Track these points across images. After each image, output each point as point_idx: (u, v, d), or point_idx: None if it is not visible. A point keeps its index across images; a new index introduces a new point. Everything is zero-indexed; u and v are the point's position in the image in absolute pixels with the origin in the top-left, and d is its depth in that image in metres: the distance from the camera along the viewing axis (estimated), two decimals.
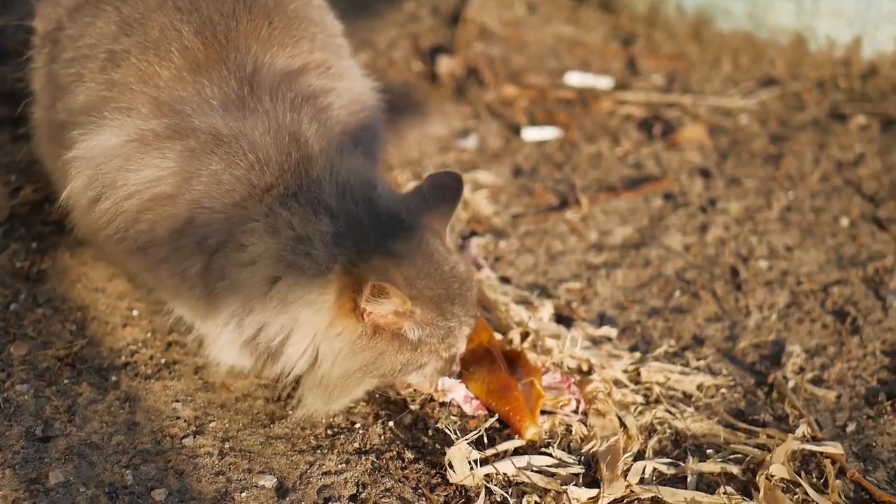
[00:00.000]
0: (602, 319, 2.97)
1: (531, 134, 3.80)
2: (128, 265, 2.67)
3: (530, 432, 2.54)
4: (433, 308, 2.39)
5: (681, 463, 2.50)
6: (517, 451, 2.51)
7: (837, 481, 2.46)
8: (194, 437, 2.49)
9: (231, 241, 2.40)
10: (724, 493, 2.41)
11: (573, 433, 2.58)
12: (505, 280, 3.09)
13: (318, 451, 2.48)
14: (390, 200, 2.47)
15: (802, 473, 2.49)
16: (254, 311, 2.40)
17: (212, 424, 2.53)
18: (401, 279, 2.33)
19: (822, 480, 2.47)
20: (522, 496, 2.40)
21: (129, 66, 2.51)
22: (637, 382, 2.73)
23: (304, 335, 2.38)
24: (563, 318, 2.93)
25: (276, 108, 2.47)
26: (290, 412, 2.58)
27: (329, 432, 2.54)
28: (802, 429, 2.57)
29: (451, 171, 2.58)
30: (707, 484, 2.46)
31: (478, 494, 2.38)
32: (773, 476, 2.45)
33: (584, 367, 2.74)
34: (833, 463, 2.51)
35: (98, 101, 2.51)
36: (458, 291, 2.45)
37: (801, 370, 2.81)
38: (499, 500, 2.38)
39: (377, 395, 2.63)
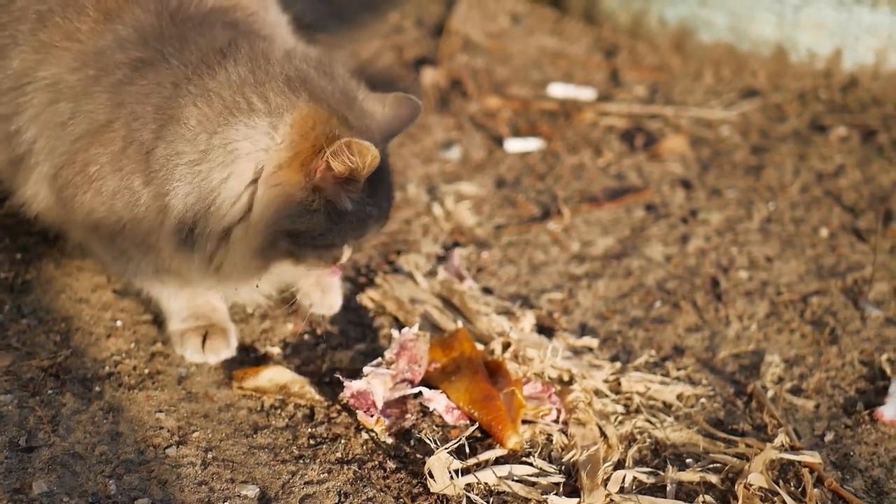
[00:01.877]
0: (583, 330, 2.99)
1: (514, 145, 3.83)
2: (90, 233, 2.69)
3: (511, 442, 2.56)
4: (370, 187, 2.46)
5: (660, 472, 2.52)
6: (498, 461, 2.53)
7: (815, 490, 2.48)
8: (177, 447, 2.50)
9: (167, 127, 2.44)
10: (704, 502, 2.43)
11: (554, 443, 2.60)
12: (487, 291, 3.11)
13: (301, 461, 2.50)
14: (346, 77, 2.54)
15: (781, 482, 2.51)
16: (199, 166, 2.43)
17: (195, 434, 2.54)
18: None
19: (800, 489, 2.49)
20: None
21: (55, 24, 2.60)
22: (617, 392, 2.75)
23: (243, 178, 2.42)
24: (545, 329, 2.95)
25: (202, 32, 2.57)
26: (273, 422, 2.60)
27: (311, 442, 2.56)
28: (781, 438, 2.59)
29: (414, 98, 2.62)
30: (686, 493, 2.48)
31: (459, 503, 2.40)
32: (751, 485, 2.47)
33: (565, 377, 2.75)
34: (811, 472, 2.53)
35: (31, 64, 2.60)
36: (390, 186, 2.55)
37: (780, 380, 2.84)
38: None
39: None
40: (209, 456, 2.49)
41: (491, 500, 2.42)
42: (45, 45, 2.60)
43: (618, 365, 2.82)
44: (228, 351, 2.78)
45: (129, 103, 2.49)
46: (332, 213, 2.44)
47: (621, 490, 2.47)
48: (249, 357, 2.81)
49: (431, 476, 2.43)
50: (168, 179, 2.44)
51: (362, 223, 2.50)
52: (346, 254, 2.59)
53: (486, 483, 2.46)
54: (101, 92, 2.52)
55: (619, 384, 2.76)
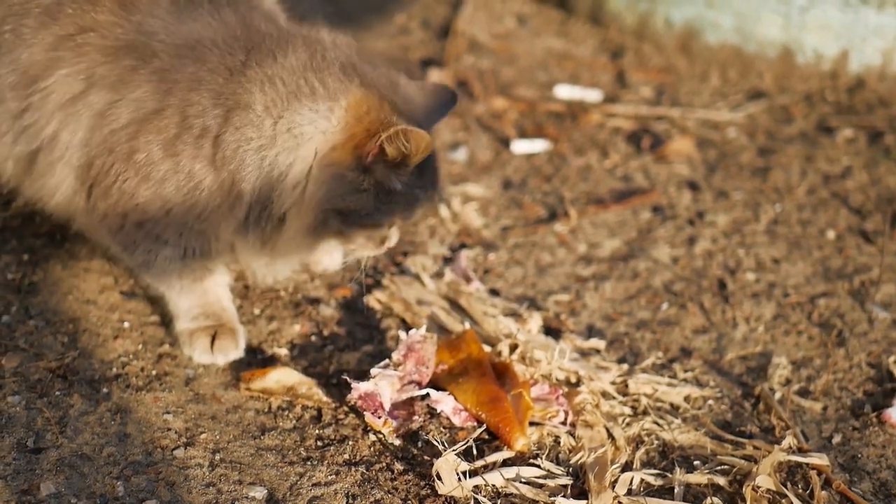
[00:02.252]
0: (590, 331, 2.99)
1: (521, 146, 3.83)
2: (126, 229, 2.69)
3: (519, 443, 2.56)
4: (418, 170, 2.55)
5: (668, 474, 2.52)
6: (506, 463, 2.53)
7: (823, 492, 2.48)
8: (185, 449, 2.50)
9: (234, 112, 2.51)
10: None
11: (561, 444, 2.60)
12: (494, 292, 3.11)
13: (309, 463, 2.50)
14: (386, 63, 2.68)
15: (788, 485, 2.50)
16: (264, 150, 2.51)
17: (202, 436, 2.55)
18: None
19: (808, 492, 2.49)
20: None
21: (66, 17, 2.60)
22: (625, 394, 2.75)
23: (306, 162, 2.51)
24: (552, 330, 2.95)
25: (218, 9, 2.62)
26: (281, 423, 2.60)
27: (319, 443, 2.56)
28: (788, 440, 2.59)
29: (451, 88, 2.75)
30: (694, 495, 2.48)
31: None
32: (759, 487, 2.46)
33: (573, 379, 2.75)
34: (819, 474, 2.53)
35: (48, 62, 2.59)
36: (436, 170, 2.63)
37: (788, 382, 2.83)
38: None
39: None
40: (217, 457, 2.49)
41: (498, 501, 2.42)
42: (63, 41, 2.59)
43: (625, 367, 2.82)
44: (237, 352, 2.78)
45: (180, 91, 2.53)
46: (380, 193, 2.53)
47: (629, 492, 2.46)
48: (257, 358, 2.81)
49: (439, 478, 2.43)
50: (241, 166, 2.52)
51: (410, 205, 2.59)
52: (395, 237, 2.69)
53: (493, 485, 2.46)
54: (143, 81, 2.55)
55: (627, 386, 2.76)
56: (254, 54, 2.54)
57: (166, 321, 2.85)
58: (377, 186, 2.52)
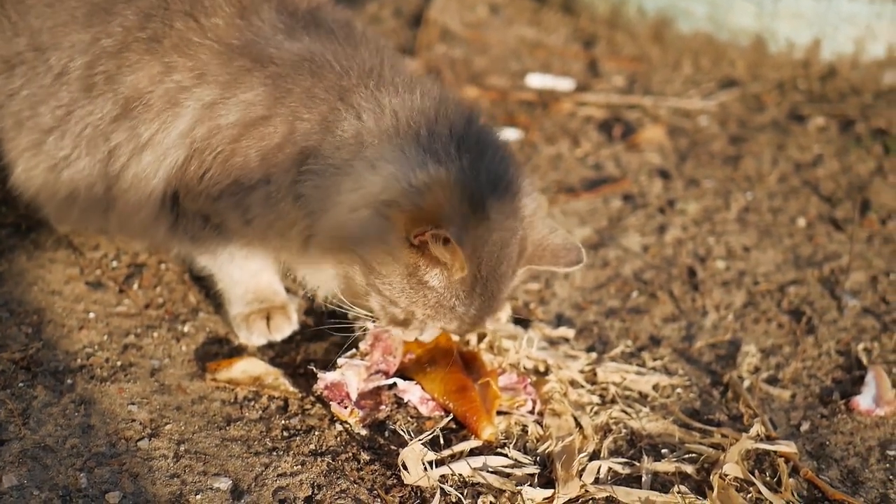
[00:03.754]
0: (559, 320, 2.98)
1: None
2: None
3: (486, 433, 2.55)
4: (468, 285, 2.39)
5: (636, 462, 2.51)
6: (473, 452, 2.52)
7: (791, 480, 2.48)
8: (150, 440, 2.48)
9: (329, 134, 2.45)
10: (679, 493, 2.42)
11: (529, 433, 2.59)
12: None
13: (274, 453, 2.48)
14: (497, 146, 2.51)
15: (756, 472, 2.50)
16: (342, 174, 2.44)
17: (167, 427, 2.53)
18: (469, 242, 2.33)
19: (775, 479, 2.49)
20: (477, 497, 2.40)
21: (175, 34, 2.58)
22: (593, 383, 2.75)
23: (367, 196, 2.39)
24: (521, 320, 2.94)
25: (324, 33, 2.60)
26: (247, 413, 2.59)
27: (285, 434, 2.54)
28: (757, 428, 2.59)
29: (582, 250, 2.56)
30: (661, 483, 2.48)
31: (433, 495, 2.38)
32: (726, 475, 2.46)
33: (541, 368, 2.74)
34: (787, 462, 2.53)
35: (154, 77, 2.58)
36: (491, 297, 2.44)
37: (757, 370, 2.83)
38: (454, 500, 2.39)
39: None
40: (181, 448, 2.47)
41: (465, 491, 2.41)
42: (170, 49, 2.58)
43: (594, 355, 2.82)
44: (291, 326, 2.81)
45: (293, 103, 2.48)
46: (413, 276, 2.38)
47: (596, 481, 2.46)
48: (223, 348, 2.79)
49: (405, 468, 2.42)
50: (311, 192, 2.47)
51: (440, 310, 2.43)
52: (427, 333, 2.55)
53: (460, 474, 2.45)
54: (257, 84, 2.51)
55: (595, 374, 2.75)
56: (367, 80, 2.48)
57: (131, 312, 2.83)
58: (412, 269, 2.38)
